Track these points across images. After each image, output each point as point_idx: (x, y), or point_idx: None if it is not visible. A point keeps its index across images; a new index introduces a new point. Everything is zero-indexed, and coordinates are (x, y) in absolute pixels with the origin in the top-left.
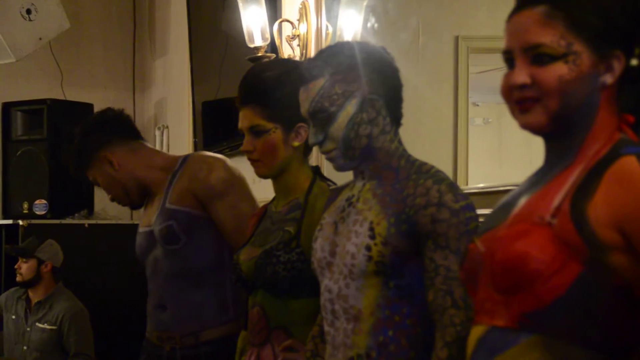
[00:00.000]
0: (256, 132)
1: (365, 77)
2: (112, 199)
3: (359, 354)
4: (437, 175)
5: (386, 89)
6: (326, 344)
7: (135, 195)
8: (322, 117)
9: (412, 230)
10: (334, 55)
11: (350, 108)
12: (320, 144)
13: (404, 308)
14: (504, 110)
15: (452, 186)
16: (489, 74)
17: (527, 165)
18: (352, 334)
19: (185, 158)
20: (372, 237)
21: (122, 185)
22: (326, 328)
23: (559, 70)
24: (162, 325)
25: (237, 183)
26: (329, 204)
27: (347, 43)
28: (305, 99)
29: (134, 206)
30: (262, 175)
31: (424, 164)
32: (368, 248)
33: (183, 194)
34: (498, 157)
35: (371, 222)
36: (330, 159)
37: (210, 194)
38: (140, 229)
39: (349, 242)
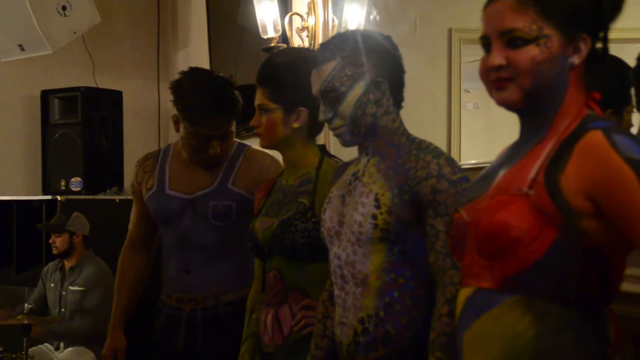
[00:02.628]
0: (263, 110)
1: (372, 62)
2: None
3: (368, 314)
4: (435, 151)
5: (390, 73)
6: (336, 306)
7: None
8: (332, 96)
9: (414, 200)
10: (345, 41)
11: (358, 89)
12: (329, 120)
13: (407, 271)
14: None
15: (450, 160)
16: (479, 63)
17: (513, 142)
18: (360, 297)
19: (242, 147)
20: (378, 206)
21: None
22: (336, 292)
23: (531, 52)
24: (185, 287)
25: None
26: (335, 179)
27: (357, 31)
28: (317, 79)
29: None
30: (263, 146)
31: (422, 141)
32: (374, 217)
33: (250, 180)
34: (487, 137)
35: (376, 194)
36: (337, 135)
37: None
38: (173, 193)
39: (356, 212)
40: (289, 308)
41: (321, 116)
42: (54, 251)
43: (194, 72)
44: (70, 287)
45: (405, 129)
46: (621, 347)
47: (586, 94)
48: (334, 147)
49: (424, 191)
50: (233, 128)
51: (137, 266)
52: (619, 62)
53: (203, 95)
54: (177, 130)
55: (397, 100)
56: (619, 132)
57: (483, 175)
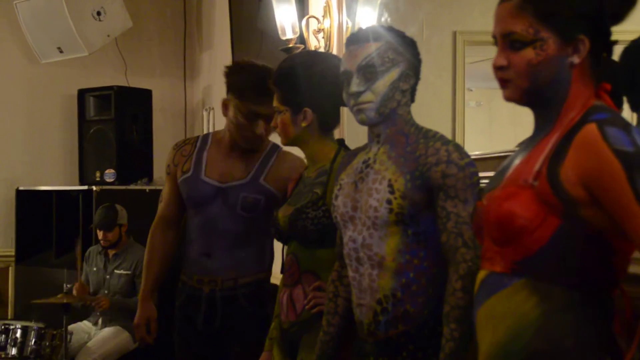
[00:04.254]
0: (277, 111)
1: (407, 55)
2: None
3: (385, 295)
4: (443, 139)
5: (415, 73)
6: (352, 287)
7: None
8: (369, 72)
9: (425, 184)
10: (389, 30)
11: (395, 74)
12: (360, 93)
13: (421, 252)
14: (493, 94)
15: (457, 146)
16: (481, 63)
17: (512, 139)
18: (377, 278)
19: (276, 147)
20: (392, 192)
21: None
22: (351, 274)
23: (527, 56)
24: (206, 270)
25: None
26: (344, 165)
27: (395, 28)
28: (354, 56)
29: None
30: (282, 143)
31: (429, 130)
32: (389, 202)
33: (280, 179)
34: (489, 133)
35: (389, 180)
36: (361, 110)
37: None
38: (207, 179)
39: (370, 197)
40: (302, 288)
41: (353, 88)
42: (105, 244)
43: (246, 61)
44: (117, 271)
45: (414, 121)
46: (632, 326)
47: (595, 86)
48: (354, 141)
49: (435, 176)
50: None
51: (166, 243)
52: (612, 65)
53: (255, 74)
54: (225, 114)
55: (413, 96)
56: (613, 124)
57: (503, 166)
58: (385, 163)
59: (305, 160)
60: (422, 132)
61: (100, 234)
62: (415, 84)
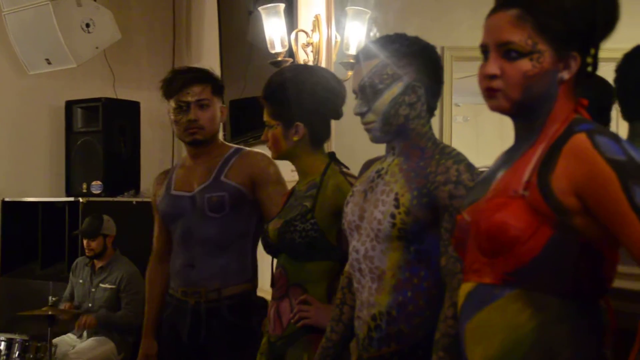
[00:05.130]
0: (267, 125)
1: (413, 66)
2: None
3: (380, 311)
4: (457, 157)
5: (429, 81)
6: (356, 297)
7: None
8: (369, 92)
9: (431, 203)
10: (392, 42)
11: (396, 89)
12: (363, 114)
13: (422, 271)
14: (480, 109)
15: (470, 167)
16: (468, 79)
17: (499, 152)
18: (375, 293)
19: (239, 149)
20: (397, 206)
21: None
22: (355, 285)
23: (524, 67)
24: (189, 282)
25: (283, 179)
26: (362, 172)
27: (404, 35)
28: (358, 74)
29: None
30: (273, 158)
31: (446, 146)
32: (393, 216)
33: (242, 174)
34: (476, 147)
35: (396, 193)
36: (368, 130)
37: (265, 179)
38: (176, 192)
39: (376, 209)
40: (288, 302)
41: (356, 110)
42: (89, 253)
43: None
44: (102, 285)
45: (433, 134)
46: (615, 338)
47: (575, 101)
48: (342, 155)
49: (442, 195)
50: (212, 101)
51: (163, 275)
52: (601, 82)
53: (170, 73)
54: (173, 130)
55: (431, 107)
56: (602, 133)
57: (483, 178)
58: (395, 175)
59: (270, 156)
60: (439, 147)
61: (85, 243)
62: (433, 92)
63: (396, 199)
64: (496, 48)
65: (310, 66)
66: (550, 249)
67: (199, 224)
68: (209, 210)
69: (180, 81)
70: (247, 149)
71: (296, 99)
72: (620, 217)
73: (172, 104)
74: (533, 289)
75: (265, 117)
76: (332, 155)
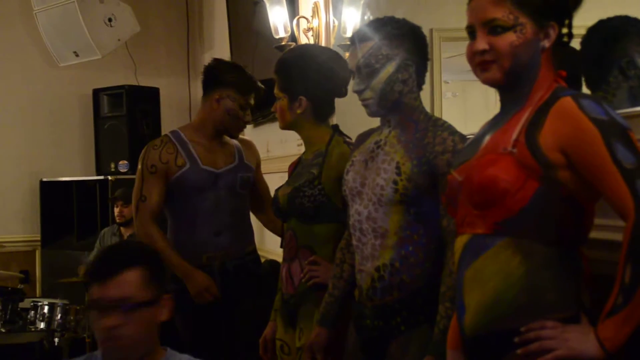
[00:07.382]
0: (276, 97)
1: (404, 46)
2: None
3: (384, 263)
4: (450, 129)
5: (418, 58)
6: (356, 254)
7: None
8: (366, 71)
9: (430, 171)
10: (384, 25)
11: (391, 68)
12: (361, 92)
13: (420, 229)
14: (467, 86)
15: (463, 137)
16: (456, 58)
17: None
18: (379, 247)
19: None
20: (399, 174)
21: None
22: (355, 243)
23: (509, 38)
24: (218, 247)
25: None
26: (358, 144)
27: (393, 18)
28: (354, 55)
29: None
30: (280, 127)
31: (438, 119)
32: (395, 182)
33: (252, 159)
34: (464, 120)
35: (397, 162)
36: (366, 106)
37: (259, 163)
38: (206, 167)
39: (378, 176)
40: (299, 263)
41: (354, 87)
42: (120, 220)
43: (231, 62)
44: None
45: (423, 107)
46: (590, 284)
47: (555, 71)
48: (346, 125)
49: (440, 164)
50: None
51: (160, 231)
52: (573, 53)
53: (245, 74)
54: (216, 107)
55: (420, 82)
56: (586, 97)
57: (471, 142)
58: (395, 146)
59: (254, 144)
60: (432, 120)
61: (116, 210)
62: (420, 68)
63: (397, 167)
64: (482, 26)
65: (320, 46)
66: (537, 200)
67: (228, 197)
68: (240, 187)
69: (251, 85)
70: (240, 137)
71: (301, 75)
72: (603, 171)
73: (241, 100)
74: (521, 236)
75: (275, 90)
76: (336, 127)
